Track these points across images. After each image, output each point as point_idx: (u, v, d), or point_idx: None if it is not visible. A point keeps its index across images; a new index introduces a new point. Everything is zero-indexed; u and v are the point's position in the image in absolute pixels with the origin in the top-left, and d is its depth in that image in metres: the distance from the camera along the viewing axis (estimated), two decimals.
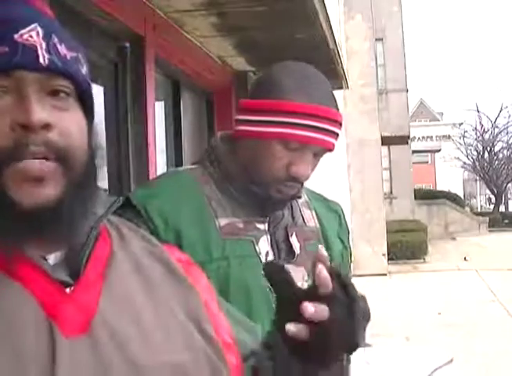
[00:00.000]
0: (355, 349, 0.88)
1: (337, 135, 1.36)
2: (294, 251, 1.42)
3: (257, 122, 1.34)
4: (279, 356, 0.91)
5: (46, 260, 0.81)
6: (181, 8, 4.27)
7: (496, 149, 34.51)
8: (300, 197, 1.48)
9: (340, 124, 1.37)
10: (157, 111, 4.41)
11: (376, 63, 15.01)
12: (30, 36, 0.80)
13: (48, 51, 0.80)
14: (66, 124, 0.80)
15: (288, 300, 0.88)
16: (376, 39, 15.36)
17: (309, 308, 0.83)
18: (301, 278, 1.41)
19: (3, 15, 0.81)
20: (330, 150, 1.38)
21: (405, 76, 19.72)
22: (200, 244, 1.33)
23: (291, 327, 0.84)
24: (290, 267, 1.38)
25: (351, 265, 1.63)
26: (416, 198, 21.06)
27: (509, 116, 34.19)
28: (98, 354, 0.77)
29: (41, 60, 0.79)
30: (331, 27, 5.09)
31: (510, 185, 36.47)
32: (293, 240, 1.43)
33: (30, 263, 0.79)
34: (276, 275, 0.90)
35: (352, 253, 1.63)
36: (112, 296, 0.82)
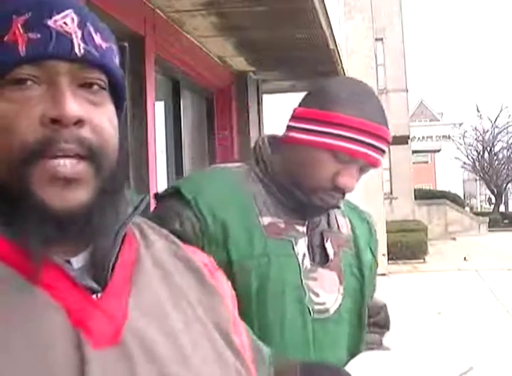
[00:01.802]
0: None
1: (384, 152, 1.41)
2: (328, 256, 1.45)
3: (309, 131, 1.38)
4: None
5: (70, 263, 0.75)
6: (181, 8, 4.27)
7: (496, 149, 34.51)
8: (339, 207, 1.52)
9: (389, 142, 1.41)
10: (157, 111, 4.41)
11: (376, 63, 15.00)
12: (65, 23, 0.73)
13: (84, 40, 0.74)
14: (99, 120, 0.74)
15: None
16: (376, 39, 15.36)
17: None
18: (333, 282, 1.44)
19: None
20: (376, 166, 1.42)
21: (405, 76, 19.72)
22: (244, 240, 1.37)
23: None
24: (323, 271, 1.43)
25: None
26: (416, 198, 21.05)
27: (509, 116, 34.21)
28: (129, 367, 0.71)
29: (76, 50, 0.73)
30: (331, 27, 5.08)
31: (510, 185, 36.47)
32: (328, 245, 1.46)
33: (54, 268, 0.72)
34: None
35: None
36: (140, 303, 0.77)
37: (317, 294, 1.41)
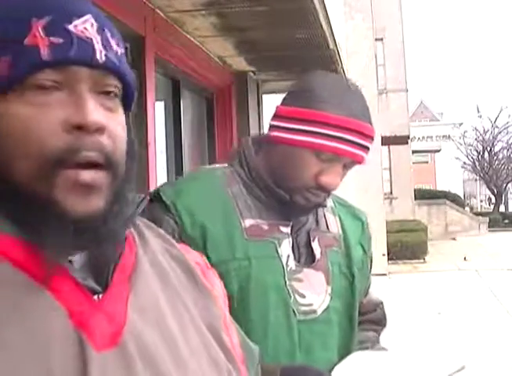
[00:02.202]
0: None
1: (368, 149, 1.39)
2: (315, 256, 1.44)
3: (292, 130, 1.37)
4: None
5: (72, 264, 0.75)
6: (181, 8, 4.27)
7: (496, 149, 34.50)
8: (325, 206, 1.50)
9: (372, 139, 1.40)
10: (157, 111, 4.41)
11: (376, 63, 15.00)
12: (85, 28, 0.73)
13: (104, 46, 0.74)
14: (115, 126, 0.75)
15: None
16: (376, 39, 15.35)
17: None
18: (320, 283, 1.42)
19: (55, 1, 0.74)
20: (360, 163, 1.41)
21: (405, 76, 19.72)
22: (224, 243, 1.36)
23: None
24: (308, 271, 1.41)
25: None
26: (416, 198, 21.04)
27: (509, 116, 34.20)
28: (129, 369, 0.72)
29: (97, 56, 0.73)
30: (331, 27, 5.09)
31: (510, 185, 36.45)
32: (315, 244, 1.45)
33: (58, 268, 0.72)
34: None
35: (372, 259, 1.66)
36: (139, 306, 0.77)
37: (303, 296, 1.39)
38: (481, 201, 45.87)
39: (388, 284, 11.77)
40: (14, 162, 0.71)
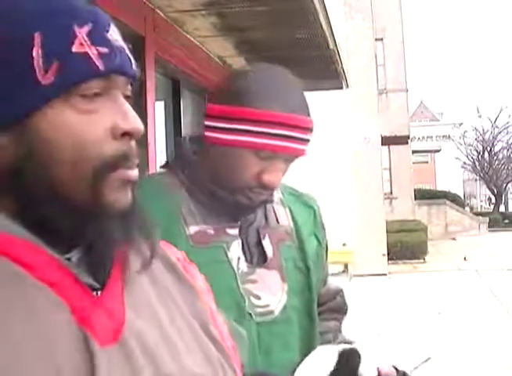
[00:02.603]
0: None
1: (309, 141, 1.34)
2: (267, 254, 1.39)
3: (228, 130, 1.30)
4: None
5: (70, 260, 0.75)
6: (181, 8, 4.27)
7: (496, 149, 34.53)
8: (271, 202, 1.44)
9: (311, 131, 1.34)
10: (157, 111, 4.41)
11: (376, 63, 15.01)
12: (116, 37, 0.76)
13: (131, 54, 0.77)
14: None
15: None
16: (376, 39, 15.36)
17: None
18: (275, 282, 1.39)
19: (83, 7, 0.75)
20: (301, 156, 1.35)
21: (405, 76, 19.72)
22: None
23: None
24: (261, 271, 1.37)
25: (327, 263, 1.59)
26: (416, 198, 21.05)
27: (509, 116, 34.22)
28: (131, 364, 0.72)
29: (133, 66, 0.76)
30: (331, 27, 5.09)
31: (510, 185, 36.48)
32: (266, 242, 1.40)
33: (57, 265, 0.73)
34: (350, 362, 0.91)
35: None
36: (133, 302, 0.78)
37: (258, 297, 1.35)
38: (481, 201, 45.88)
39: (388, 284, 11.77)
40: (54, 168, 0.72)
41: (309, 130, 1.33)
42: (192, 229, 1.33)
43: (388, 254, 13.65)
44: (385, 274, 12.76)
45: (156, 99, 4.34)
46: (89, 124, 0.72)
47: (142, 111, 3.99)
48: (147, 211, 0.82)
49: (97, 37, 0.73)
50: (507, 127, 34.17)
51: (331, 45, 5.42)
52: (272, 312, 1.36)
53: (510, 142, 34.33)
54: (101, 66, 0.72)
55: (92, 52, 0.72)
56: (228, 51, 5.47)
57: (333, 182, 11.44)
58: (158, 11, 4.31)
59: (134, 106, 0.82)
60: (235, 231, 1.38)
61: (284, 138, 1.29)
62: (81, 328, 0.71)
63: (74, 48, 0.71)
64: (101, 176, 0.72)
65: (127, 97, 0.78)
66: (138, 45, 4.03)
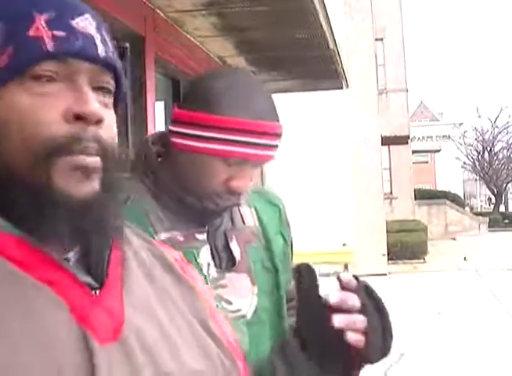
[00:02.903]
0: (382, 358, 0.90)
1: (277, 146, 1.33)
2: (235, 258, 1.38)
3: (196, 137, 1.28)
4: (295, 360, 0.91)
5: (68, 261, 0.76)
6: (181, 8, 4.27)
7: (496, 149, 34.54)
8: (238, 205, 1.42)
9: (279, 136, 1.32)
10: (157, 111, 4.41)
11: (376, 63, 15.00)
12: (86, 25, 0.76)
13: (102, 43, 0.77)
14: (109, 122, 0.77)
15: (312, 307, 0.88)
16: (376, 39, 15.36)
17: (340, 319, 0.84)
18: (245, 285, 1.38)
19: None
20: (269, 161, 1.34)
21: (405, 76, 19.72)
22: None
23: (352, 336, 0.86)
24: (230, 275, 1.36)
25: (293, 260, 1.57)
26: (416, 198, 21.05)
27: (509, 116, 34.22)
28: (131, 362, 0.73)
29: (99, 51, 0.75)
30: (331, 27, 5.09)
31: (510, 185, 36.49)
32: (234, 245, 1.39)
33: (55, 264, 0.73)
34: (307, 279, 0.90)
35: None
36: (132, 301, 0.78)
37: (229, 302, 1.34)
38: (481, 201, 45.87)
39: (388, 284, 11.77)
40: (9, 150, 0.73)
41: (278, 135, 1.31)
42: (163, 236, 1.31)
43: (388, 254, 13.64)
44: (385, 274, 12.76)
45: (156, 99, 4.34)
46: (42, 107, 0.73)
47: (142, 111, 3.99)
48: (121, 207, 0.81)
49: (57, 22, 0.74)
50: (507, 127, 34.18)
51: (331, 45, 5.42)
52: (244, 316, 1.35)
53: (510, 142, 34.34)
54: (50, 48, 0.73)
55: (47, 35, 0.73)
56: (228, 51, 5.48)
57: (333, 182, 11.44)
58: (158, 11, 4.31)
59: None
60: (203, 236, 1.36)
61: (252, 145, 1.27)
62: (81, 327, 0.71)
63: (31, 33, 0.73)
64: (51, 158, 0.72)
65: (102, 89, 0.77)
66: (138, 45, 4.03)
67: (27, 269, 0.72)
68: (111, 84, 0.79)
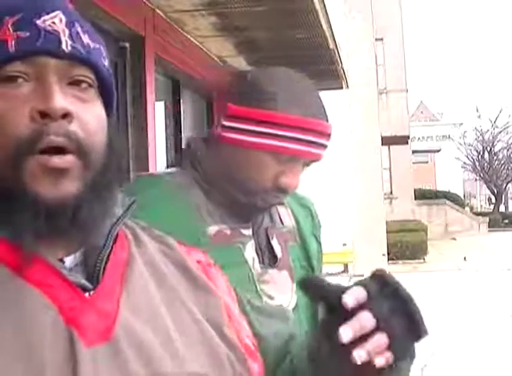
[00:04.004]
0: (408, 351, 0.82)
1: (327, 146, 1.36)
2: (276, 255, 1.40)
3: (249, 132, 1.30)
4: (320, 358, 0.87)
5: (63, 262, 0.76)
6: (181, 8, 4.27)
7: (496, 149, 34.53)
8: (282, 204, 1.45)
9: (330, 136, 1.35)
10: (157, 111, 4.41)
11: (376, 63, 15.00)
12: (53, 22, 0.76)
13: (72, 38, 0.76)
14: (87, 116, 0.76)
15: (332, 306, 0.82)
16: (376, 39, 15.36)
17: (348, 331, 0.78)
18: (286, 282, 1.39)
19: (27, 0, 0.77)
20: (319, 160, 1.37)
21: (405, 76, 19.73)
22: None
23: (381, 361, 0.78)
24: (273, 272, 1.38)
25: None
26: (416, 198, 21.06)
27: (509, 116, 34.23)
28: (120, 364, 0.72)
29: (63, 46, 0.75)
30: (331, 27, 5.09)
31: (510, 185, 36.48)
32: (275, 243, 1.41)
33: (46, 265, 0.73)
34: (314, 289, 0.85)
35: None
36: (132, 302, 0.78)
37: (272, 297, 1.35)
38: (481, 201, 45.87)
39: None
40: None
41: (328, 135, 1.35)
42: (212, 229, 1.33)
43: (388, 254, 13.65)
44: None
45: (156, 99, 4.34)
46: (9, 108, 0.73)
47: (142, 111, 3.99)
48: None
49: (23, 23, 0.75)
50: (507, 127, 34.18)
51: (331, 45, 5.42)
52: None
53: (510, 142, 34.34)
54: (12, 49, 0.74)
55: (11, 37, 0.74)
56: (229, 51, 5.47)
57: (333, 182, 11.44)
58: (158, 11, 4.31)
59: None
60: (249, 232, 1.38)
61: (305, 142, 1.30)
62: (68, 328, 0.71)
63: None
64: (19, 157, 0.72)
65: (76, 82, 0.77)
66: (138, 45, 4.03)
67: (16, 270, 0.72)
68: (89, 77, 0.78)
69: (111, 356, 0.72)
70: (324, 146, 1.34)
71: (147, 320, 0.78)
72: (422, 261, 15.31)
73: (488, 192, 39.60)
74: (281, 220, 1.47)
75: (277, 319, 1.01)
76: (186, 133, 5.41)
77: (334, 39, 5.42)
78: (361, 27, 13.49)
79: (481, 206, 43.95)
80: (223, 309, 0.88)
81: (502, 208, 36.19)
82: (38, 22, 0.75)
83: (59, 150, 0.73)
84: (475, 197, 45.66)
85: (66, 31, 0.77)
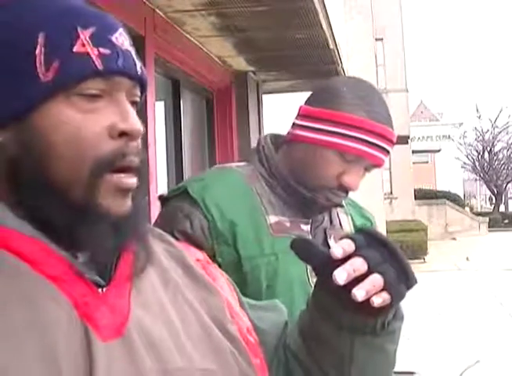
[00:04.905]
0: (401, 295, 0.86)
1: (389, 152, 1.43)
2: None
3: (317, 130, 1.40)
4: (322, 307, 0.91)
5: (77, 258, 0.77)
6: (181, 8, 4.27)
7: (496, 149, 34.53)
8: (343, 206, 1.54)
9: (393, 143, 1.43)
10: (157, 111, 4.41)
11: (376, 63, 15.01)
12: (123, 41, 0.77)
13: (137, 58, 0.78)
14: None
15: (325, 265, 0.85)
16: (376, 39, 15.37)
17: (342, 273, 0.81)
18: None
19: (92, 13, 0.77)
20: (380, 166, 1.45)
21: (405, 76, 19.73)
22: (253, 239, 1.40)
23: (378, 300, 0.81)
24: None
25: None
26: (416, 198, 21.05)
27: (509, 116, 34.22)
28: (133, 359, 0.73)
29: (138, 68, 0.77)
30: (331, 27, 5.09)
31: (510, 185, 36.48)
32: (332, 242, 1.48)
33: (62, 261, 0.74)
34: (305, 250, 0.89)
35: None
36: (141, 299, 0.79)
37: None
38: (482, 201, 45.86)
39: None
40: (52, 165, 0.73)
41: (392, 142, 1.42)
42: (272, 219, 1.43)
43: None
44: None
45: (156, 99, 4.34)
46: (87, 123, 0.73)
47: (142, 111, 3.99)
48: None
49: (100, 39, 0.75)
50: (507, 127, 34.18)
51: (331, 45, 5.42)
52: None
53: (510, 142, 34.34)
54: (100, 66, 0.73)
55: (93, 52, 0.74)
56: (228, 51, 5.47)
57: None
58: (158, 11, 4.31)
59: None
60: (307, 227, 1.46)
61: (369, 144, 1.38)
62: (83, 323, 0.72)
63: (76, 48, 0.73)
64: (97, 175, 0.73)
65: (134, 103, 0.79)
66: (138, 45, 4.01)
67: (32, 264, 0.73)
68: (139, 96, 0.80)
69: (125, 352, 0.73)
70: (386, 152, 1.42)
71: (156, 317, 0.79)
72: (422, 261, 15.30)
73: (488, 192, 39.60)
74: (341, 225, 1.55)
75: (272, 312, 1.04)
76: (186, 133, 5.41)
77: (334, 39, 5.41)
78: (361, 27, 13.49)
79: (481, 206, 43.96)
80: (225, 306, 0.90)
81: (502, 208, 36.19)
82: (113, 39, 0.76)
83: (129, 169, 0.76)
84: (475, 197, 45.66)
85: (133, 51, 0.78)
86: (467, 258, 15.24)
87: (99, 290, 0.76)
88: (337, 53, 5.85)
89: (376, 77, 14.27)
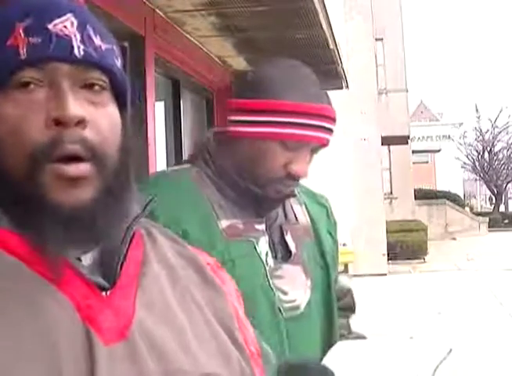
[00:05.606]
0: None
1: (333, 131, 1.37)
2: (291, 250, 1.41)
3: (254, 123, 1.33)
4: None
5: (81, 261, 0.77)
6: (181, 8, 4.27)
7: (496, 149, 34.53)
8: (295, 195, 1.47)
9: (335, 120, 1.36)
10: (157, 111, 4.41)
11: (376, 63, 15.00)
12: (65, 26, 0.75)
13: (83, 42, 0.76)
14: (101, 119, 0.76)
15: None
16: (376, 39, 15.36)
17: None
18: (299, 277, 1.40)
19: (36, 3, 0.77)
20: (325, 145, 1.38)
21: (405, 76, 19.71)
22: (206, 247, 1.30)
23: None
24: (287, 267, 1.39)
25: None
26: (416, 198, 21.04)
27: (509, 116, 34.22)
28: (137, 363, 0.73)
29: (75, 52, 0.75)
30: (331, 27, 5.08)
31: (510, 185, 36.48)
32: (288, 238, 1.42)
33: (65, 264, 0.74)
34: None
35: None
36: (147, 301, 0.78)
37: (285, 293, 1.36)
38: (481, 201, 45.86)
39: (388, 284, 11.76)
40: (6, 161, 0.74)
41: (333, 119, 1.35)
42: (224, 223, 1.35)
43: (388, 254, 13.64)
44: (385, 274, 12.75)
45: (156, 99, 4.34)
46: (26, 116, 0.73)
47: (142, 111, 3.99)
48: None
49: (34, 29, 0.75)
50: (507, 127, 34.18)
51: (331, 45, 5.42)
52: (298, 307, 1.37)
53: (510, 142, 34.35)
54: (24, 56, 0.73)
55: (23, 43, 0.74)
56: (228, 51, 5.47)
57: (333, 182, 11.44)
58: (158, 11, 4.31)
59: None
60: (262, 227, 1.40)
61: (311, 127, 1.31)
62: (86, 326, 0.71)
63: (9, 42, 0.74)
64: (36, 166, 0.72)
65: (90, 86, 0.77)
66: (138, 45, 4.03)
67: (35, 266, 0.72)
68: (102, 80, 0.78)
69: (128, 356, 0.72)
70: (329, 131, 1.35)
71: (162, 319, 0.78)
72: (422, 261, 15.30)
73: (488, 192, 39.60)
74: (296, 218, 1.48)
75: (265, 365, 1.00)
76: (186, 133, 5.41)
77: (334, 39, 5.41)
78: (361, 27, 13.49)
79: (481, 206, 43.94)
80: (233, 312, 0.89)
81: (502, 208, 36.18)
82: (49, 26, 0.75)
83: (75, 158, 0.73)
84: (475, 197, 45.64)
85: (78, 35, 0.76)
86: (468, 258, 15.23)
87: (104, 292, 0.75)
88: (336, 53, 5.84)
89: (376, 77, 14.27)
